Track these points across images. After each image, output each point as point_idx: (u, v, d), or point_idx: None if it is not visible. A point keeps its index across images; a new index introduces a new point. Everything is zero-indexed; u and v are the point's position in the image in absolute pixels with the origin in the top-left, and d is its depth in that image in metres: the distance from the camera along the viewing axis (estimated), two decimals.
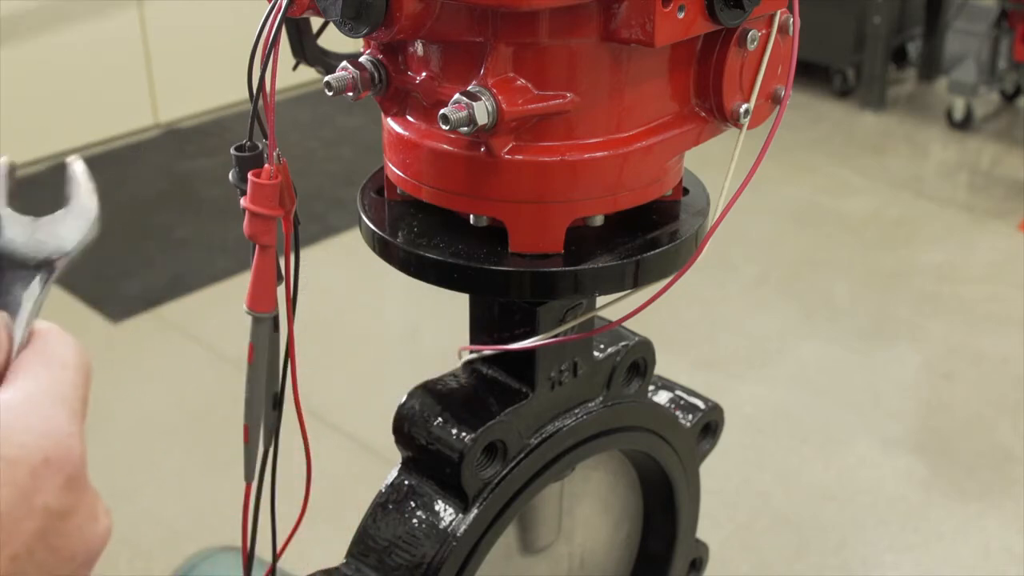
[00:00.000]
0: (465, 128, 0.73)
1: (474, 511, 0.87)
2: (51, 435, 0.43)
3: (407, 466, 0.90)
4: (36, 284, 0.47)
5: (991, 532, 2.33)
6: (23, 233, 0.48)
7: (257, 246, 0.77)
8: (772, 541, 2.31)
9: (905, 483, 2.47)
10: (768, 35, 0.81)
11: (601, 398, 0.97)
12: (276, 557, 0.89)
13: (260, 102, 0.74)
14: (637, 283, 0.81)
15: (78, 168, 0.50)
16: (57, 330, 0.48)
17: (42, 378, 0.45)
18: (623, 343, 0.98)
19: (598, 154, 0.77)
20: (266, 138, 0.75)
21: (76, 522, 0.44)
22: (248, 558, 0.86)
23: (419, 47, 0.79)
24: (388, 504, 0.89)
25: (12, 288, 0.47)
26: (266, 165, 0.75)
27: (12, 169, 0.50)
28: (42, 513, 0.42)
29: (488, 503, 0.88)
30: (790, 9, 0.82)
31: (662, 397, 1.08)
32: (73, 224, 0.49)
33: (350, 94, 0.79)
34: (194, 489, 2.43)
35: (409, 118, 0.82)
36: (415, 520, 0.87)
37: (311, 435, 0.85)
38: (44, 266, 0.47)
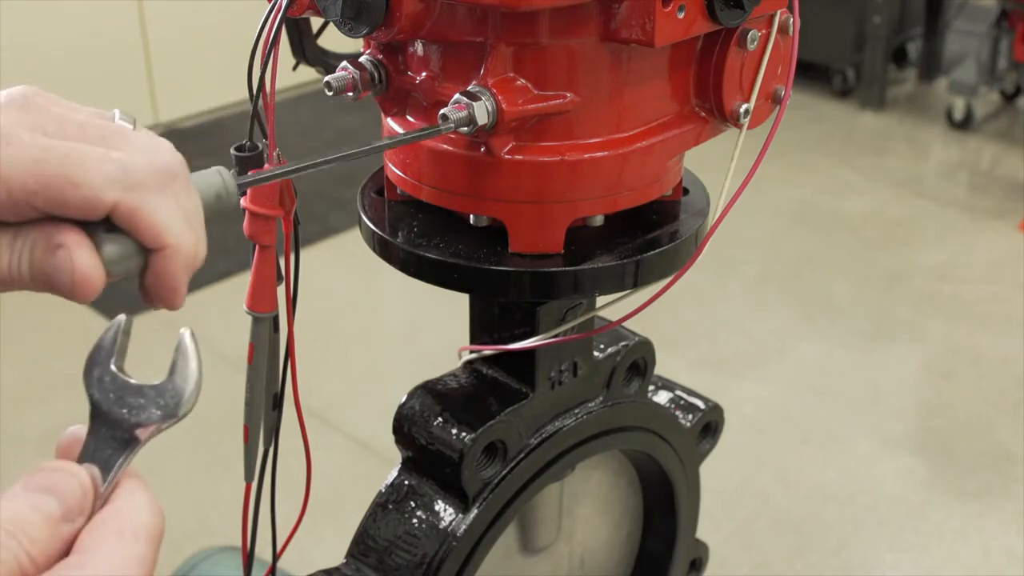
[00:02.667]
0: (465, 128, 0.73)
1: (474, 511, 0.87)
2: None
3: (407, 466, 0.90)
4: (124, 452, 0.49)
5: (991, 532, 2.33)
6: (123, 396, 0.50)
7: (257, 246, 0.77)
8: (772, 541, 2.31)
9: (905, 483, 2.47)
10: (768, 35, 0.81)
11: (601, 398, 0.97)
12: (276, 557, 0.89)
13: (260, 102, 0.75)
14: (637, 283, 0.81)
15: (188, 341, 0.53)
16: (138, 491, 0.50)
17: (112, 555, 0.47)
18: (623, 343, 0.98)
19: (598, 154, 0.77)
20: (266, 138, 0.75)
21: None
22: (248, 558, 0.86)
23: (419, 47, 0.79)
24: (388, 504, 0.89)
25: (105, 446, 0.49)
26: (266, 165, 0.75)
27: (128, 327, 0.53)
28: None
29: (488, 503, 0.88)
30: (790, 9, 0.82)
31: (662, 397, 1.08)
32: (169, 399, 0.51)
33: (350, 94, 0.79)
34: (194, 489, 2.43)
35: (409, 118, 0.82)
36: (415, 520, 0.87)
37: (311, 435, 0.85)
38: (136, 429, 0.50)
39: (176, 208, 0.54)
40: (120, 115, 0.59)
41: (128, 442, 0.49)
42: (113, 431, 0.49)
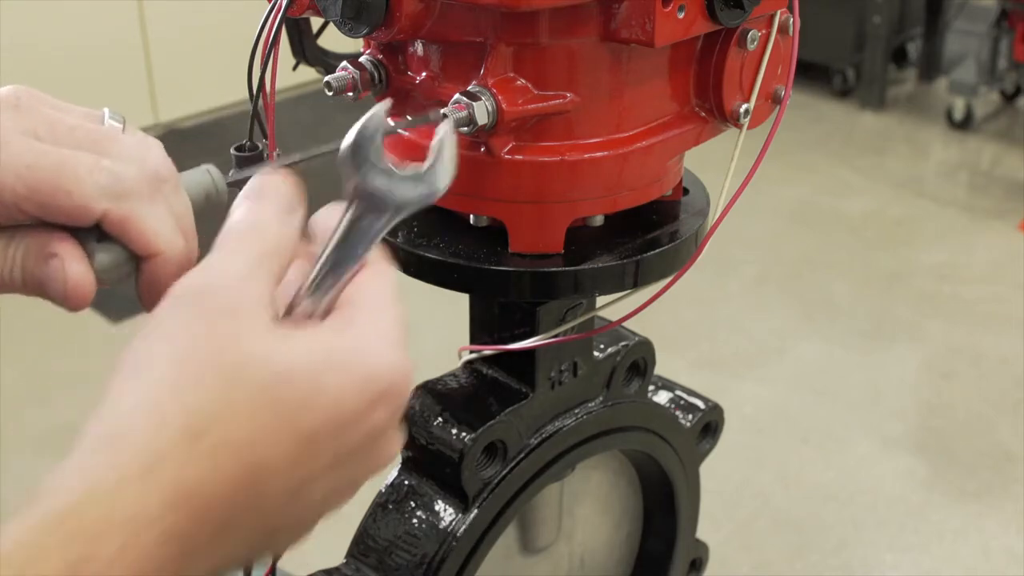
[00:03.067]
0: (465, 128, 0.73)
1: (474, 511, 0.87)
2: (398, 369, 0.51)
3: (407, 466, 0.90)
4: (382, 222, 0.54)
5: (991, 532, 2.33)
6: (386, 180, 0.54)
7: None
8: (772, 541, 2.31)
9: (905, 483, 2.47)
10: (768, 35, 0.81)
11: (601, 398, 0.97)
12: (276, 557, 0.89)
13: (260, 102, 0.75)
14: (637, 283, 0.81)
15: (447, 131, 0.56)
16: (384, 268, 0.55)
17: (388, 314, 0.53)
18: (623, 343, 0.98)
19: (598, 154, 0.77)
20: (266, 138, 0.75)
21: (389, 437, 0.53)
22: None
23: (419, 47, 0.79)
24: (388, 504, 0.89)
25: (365, 221, 0.54)
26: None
27: (387, 113, 0.55)
28: (372, 426, 0.51)
29: (488, 503, 0.88)
30: (790, 9, 0.82)
31: (662, 397, 1.08)
32: (424, 184, 0.55)
33: (350, 94, 0.79)
34: None
35: (409, 118, 0.82)
36: (415, 520, 0.87)
37: None
38: (395, 210, 0.54)
39: (166, 214, 0.56)
40: (110, 115, 0.59)
41: (385, 216, 0.54)
42: (372, 207, 0.54)
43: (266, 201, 0.54)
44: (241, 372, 0.48)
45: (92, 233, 0.55)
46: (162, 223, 0.55)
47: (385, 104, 0.56)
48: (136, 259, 0.56)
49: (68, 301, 0.55)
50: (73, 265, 0.54)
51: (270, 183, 0.55)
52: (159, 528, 0.44)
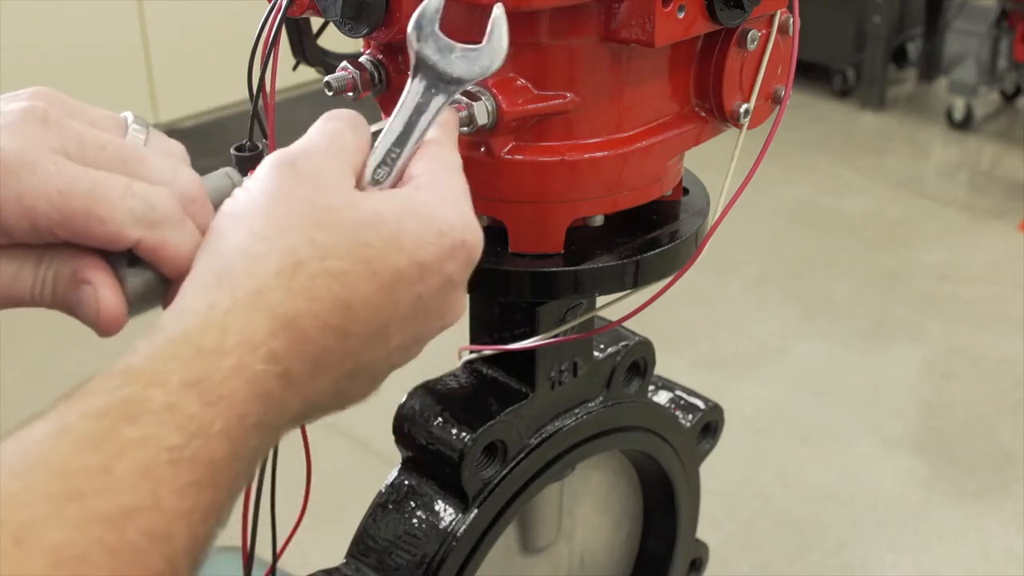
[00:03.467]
0: (465, 128, 0.73)
1: (474, 511, 0.87)
2: (470, 227, 0.57)
3: (407, 466, 0.90)
4: (442, 96, 0.58)
5: (991, 532, 2.33)
6: (444, 56, 0.59)
7: None
8: (772, 541, 2.31)
9: (905, 483, 2.47)
10: (768, 35, 0.81)
11: (601, 398, 0.97)
12: (276, 557, 0.89)
13: (260, 102, 0.74)
14: (637, 283, 0.81)
15: (500, 14, 0.61)
16: (446, 142, 0.60)
17: (454, 182, 0.58)
18: (623, 343, 0.98)
19: (598, 154, 0.77)
20: (266, 138, 0.75)
21: (457, 294, 0.58)
22: (248, 558, 0.86)
23: None
24: (388, 504, 0.89)
25: (426, 95, 0.58)
26: None
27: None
28: (446, 277, 0.56)
29: (488, 503, 0.88)
30: (790, 9, 0.82)
31: (662, 397, 1.08)
32: (478, 60, 0.59)
33: (350, 94, 0.79)
34: None
35: None
36: (415, 520, 0.87)
37: (311, 435, 0.85)
38: (453, 83, 0.59)
39: (196, 234, 0.56)
40: (133, 120, 0.59)
41: (447, 89, 0.58)
42: (434, 80, 0.58)
43: (336, 119, 0.59)
44: (330, 217, 0.53)
45: (123, 256, 0.55)
46: (193, 245, 0.56)
47: None
48: (167, 280, 0.56)
49: (100, 328, 0.55)
50: (105, 292, 0.55)
51: (337, 110, 0.61)
52: (263, 352, 0.49)
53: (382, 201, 0.55)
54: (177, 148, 0.60)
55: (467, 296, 0.59)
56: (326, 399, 0.54)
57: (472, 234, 0.57)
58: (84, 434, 0.46)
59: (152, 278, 0.56)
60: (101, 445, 0.45)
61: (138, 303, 0.55)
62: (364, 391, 0.57)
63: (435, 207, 0.56)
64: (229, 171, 0.59)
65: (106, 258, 0.55)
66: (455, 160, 0.60)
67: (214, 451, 0.47)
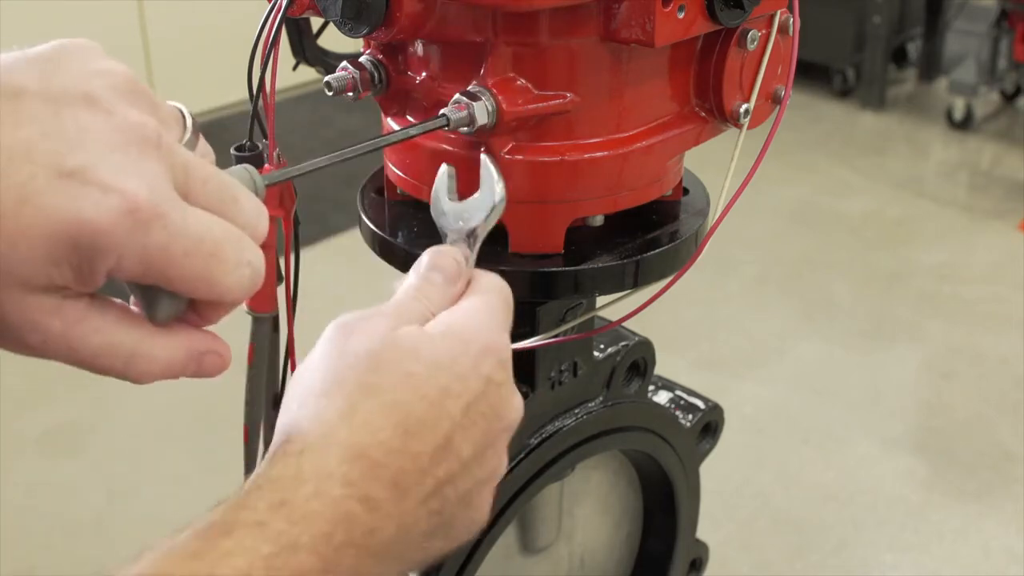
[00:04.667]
0: (465, 128, 0.73)
1: None
2: (492, 331, 0.62)
3: None
4: (468, 247, 0.67)
5: (991, 532, 2.33)
6: (454, 215, 0.67)
7: None
8: (772, 541, 2.31)
9: (905, 483, 2.47)
10: (768, 35, 0.81)
11: (601, 398, 0.97)
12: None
13: (260, 102, 0.75)
14: (637, 283, 0.81)
15: (484, 159, 0.67)
16: (488, 274, 0.66)
17: (470, 304, 0.63)
18: (623, 343, 0.98)
19: (598, 154, 0.77)
20: (266, 138, 0.76)
21: (505, 392, 0.61)
22: None
23: (419, 47, 0.79)
24: None
25: (467, 240, 0.67)
26: (266, 165, 0.75)
27: (453, 173, 0.68)
28: (484, 379, 0.60)
29: None
30: (790, 9, 0.82)
31: (662, 397, 1.08)
32: (482, 207, 0.66)
33: (350, 94, 0.79)
34: (194, 489, 2.43)
35: (409, 118, 0.82)
36: None
37: None
38: (470, 235, 0.67)
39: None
40: (188, 116, 0.57)
41: (470, 240, 0.67)
42: (458, 239, 0.67)
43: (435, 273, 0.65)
44: (378, 361, 0.58)
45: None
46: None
47: (447, 169, 0.68)
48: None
49: (223, 369, 0.58)
50: (227, 353, 0.58)
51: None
52: (338, 478, 0.53)
53: (419, 333, 0.60)
54: (208, 150, 0.60)
55: (519, 396, 0.63)
56: (422, 523, 0.57)
57: (493, 336, 0.62)
58: (187, 549, 0.50)
59: (183, 303, 0.54)
60: (203, 555, 0.49)
61: (167, 321, 0.54)
62: (462, 513, 0.60)
63: (460, 326, 0.61)
64: (248, 167, 0.59)
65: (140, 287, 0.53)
66: (496, 284, 0.66)
67: (303, 563, 0.51)
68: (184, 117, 0.56)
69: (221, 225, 0.52)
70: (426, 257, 0.65)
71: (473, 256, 0.67)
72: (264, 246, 0.75)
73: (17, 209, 0.46)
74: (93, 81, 0.51)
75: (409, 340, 0.59)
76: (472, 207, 0.67)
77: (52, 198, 0.47)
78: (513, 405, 0.62)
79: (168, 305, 0.53)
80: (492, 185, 0.67)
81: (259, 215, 0.56)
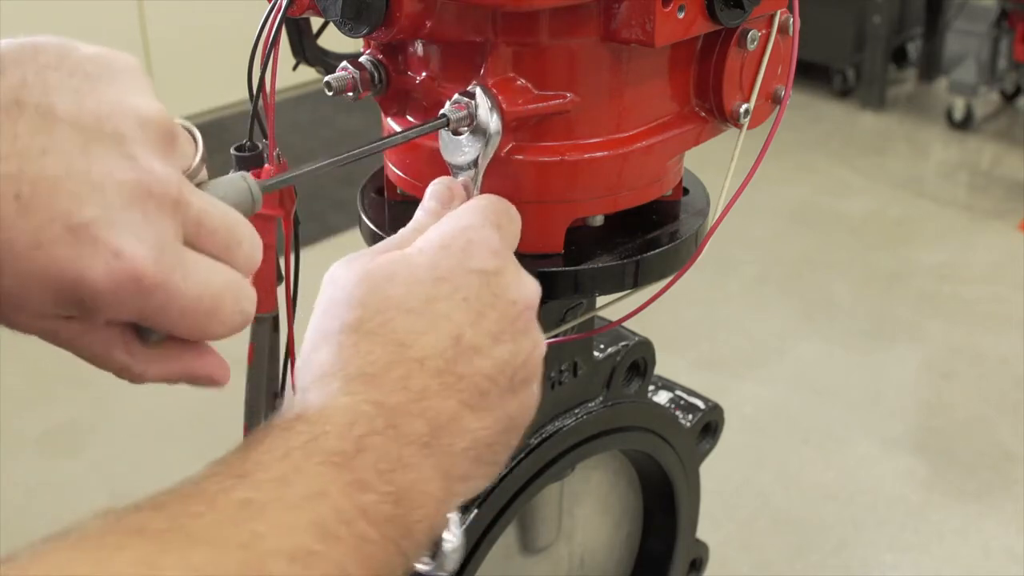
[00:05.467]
0: (466, 128, 0.73)
1: (474, 511, 0.87)
2: (475, 228, 0.61)
3: None
4: (471, 179, 0.70)
5: (991, 532, 2.33)
6: (456, 147, 0.72)
7: None
8: (772, 541, 2.31)
9: (905, 483, 2.47)
10: (768, 35, 0.81)
11: (601, 398, 0.97)
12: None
13: (260, 102, 0.75)
14: (637, 283, 0.81)
15: (481, 91, 0.71)
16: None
17: (477, 202, 0.64)
18: (623, 343, 0.98)
19: (598, 154, 0.77)
20: (266, 138, 0.75)
21: (507, 277, 0.61)
22: None
23: (419, 47, 0.79)
24: None
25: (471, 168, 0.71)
26: (266, 165, 0.75)
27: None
28: (477, 273, 0.60)
29: (488, 503, 0.88)
30: (790, 9, 0.82)
31: (662, 397, 1.08)
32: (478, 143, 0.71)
33: (350, 94, 0.79)
34: None
35: (409, 118, 0.82)
36: None
37: None
38: (471, 165, 0.71)
39: None
40: (200, 144, 0.56)
41: (474, 172, 0.70)
42: (461, 171, 0.72)
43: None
44: (350, 301, 0.59)
45: None
46: None
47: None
48: None
49: (217, 386, 0.59)
50: (222, 371, 0.58)
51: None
52: (341, 392, 0.55)
53: (395, 258, 0.61)
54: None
55: (528, 277, 0.62)
56: (458, 420, 0.57)
57: (476, 231, 0.61)
58: (224, 473, 0.51)
59: None
60: (243, 463, 0.51)
61: (159, 342, 0.55)
62: (513, 400, 0.61)
63: (439, 233, 0.61)
64: (244, 175, 0.58)
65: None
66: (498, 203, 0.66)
67: (332, 447, 0.52)
68: (197, 143, 0.56)
69: (222, 276, 0.53)
70: (427, 189, 0.67)
71: (477, 185, 0.70)
72: (264, 246, 0.76)
73: (30, 253, 0.47)
74: (127, 119, 0.50)
75: (383, 268, 0.60)
76: (470, 138, 0.71)
77: (63, 250, 0.48)
78: (522, 284, 0.62)
79: (158, 336, 0.55)
80: (487, 115, 0.70)
81: (256, 249, 0.56)
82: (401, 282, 0.59)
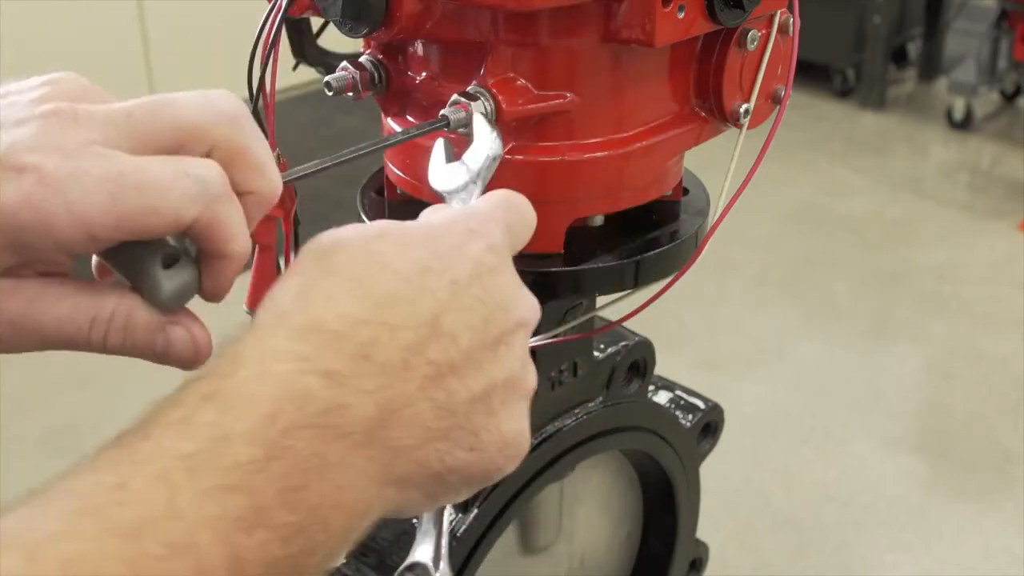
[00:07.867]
0: (464, 128, 0.73)
1: (474, 511, 0.87)
2: (478, 218, 0.57)
3: None
4: (475, 189, 0.66)
5: (991, 532, 2.33)
6: (453, 172, 0.67)
7: (257, 246, 0.77)
8: (772, 541, 2.31)
9: (905, 483, 2.47)
10: (768, 35, 0.81)
11: (601, 398, 0.97)
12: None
13: (260, 102, 0.75)
14: (637, 283, 0.81)
15: (478, 117, 0.70)
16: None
17: (484, 197, 0.61)
18: (623, 343, 0.98)
19: (598, 154, 0.77)
20: (266, 138, 0.75)
21: (503, 280, 0.56)
22: None
23: (419, 47, 0.79)
24: None
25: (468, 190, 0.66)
26: None
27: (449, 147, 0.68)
28: (472, 260, 0.54)
29: (488, 503, 0.88)
30: (790, 9, 0.82)
31: (662, 397, 1.08)
32: (481, 149, 0.67)
33: (350, 94, 0.79)
34: None
35: (409, 118, 0.82)
36: (415, 520, 0.87)
37: None
38: (474, 180, 0.66)
39: (241, 213, 0.54)
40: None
41: (476, 186, 0.67)
42: (462, 189, 0.67)
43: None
44: (339, 244, 0.53)
45: (158, 258, 0.53)
46: (240, 223, 0.54)
47: (442, 141, 0.67)
48: (199, 267, 0.54)
49: (195, 363, 0.54)
50: (197, 328, 0.54)
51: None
52: (286, 353, 0.48)
53: (389, 222, 0.56)
54: (220, 108, 0.58)
55: (528, 292, 0.57)
56: (425, 414, 0.50)
57: (480, 222, 0.57)
58: (103, 459, 0.46)
59: (190, 277, 0.54)
60: (118, 464, 0.45)
61: (175, 303, 0.54)
62: (485, 420, 0.53)
63: (440, 216, 0.58)
64: None
65: (143, 262, 0.53)
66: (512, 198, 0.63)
67: (239, 454, 0.45)
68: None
69: (149, 157, 0.52)
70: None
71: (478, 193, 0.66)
72: (264, 246, 0.76)
73: None
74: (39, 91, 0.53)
75: (375, 225, 0.55)
76: (471, 155, 0.66)
77: None
78: (519, 297, 0.56)
79: (165, 279, 0.53)
80: (487, 135, 0.67)
81: (272, 162, 0.55)
82: (391, 241, 0.53)
